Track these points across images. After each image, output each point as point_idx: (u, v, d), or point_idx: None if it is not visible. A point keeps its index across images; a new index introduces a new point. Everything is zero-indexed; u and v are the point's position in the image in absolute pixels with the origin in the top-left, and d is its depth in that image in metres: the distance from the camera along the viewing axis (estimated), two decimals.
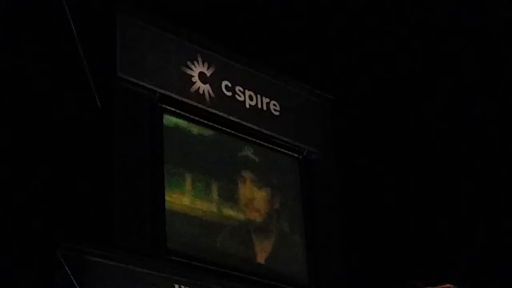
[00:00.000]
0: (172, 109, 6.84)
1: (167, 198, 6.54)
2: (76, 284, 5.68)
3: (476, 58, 7.95)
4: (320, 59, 7.81)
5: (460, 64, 7.93)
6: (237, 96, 7.25)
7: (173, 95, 6.84)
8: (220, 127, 7.09)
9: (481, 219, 7.91)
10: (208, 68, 7.11)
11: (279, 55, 7.58)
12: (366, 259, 7.63)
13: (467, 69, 7.90)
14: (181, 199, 6.67)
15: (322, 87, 7.78)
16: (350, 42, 7.84)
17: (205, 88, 7.04)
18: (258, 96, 7.39)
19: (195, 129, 6.99)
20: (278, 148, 7.43)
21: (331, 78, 7.83)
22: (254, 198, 7.11)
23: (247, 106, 7.29)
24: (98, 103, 6.23)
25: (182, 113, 6.89)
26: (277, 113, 7.46)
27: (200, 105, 6.96)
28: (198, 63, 7.07)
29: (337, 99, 7.84)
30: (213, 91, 7.08)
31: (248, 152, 7.20)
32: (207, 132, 7.04)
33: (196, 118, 6.96)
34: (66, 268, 5.68)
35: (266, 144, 7.35)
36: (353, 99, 7.97)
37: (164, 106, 6.79)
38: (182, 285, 6.23)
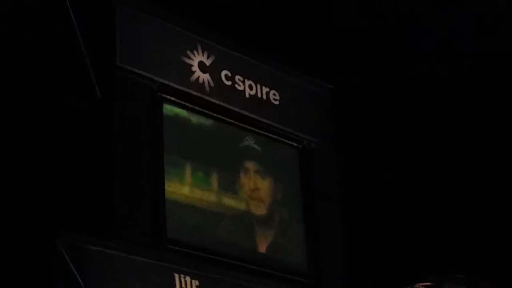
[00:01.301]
0: (172, 98, 6.83)
1: (167, 188, 6.54)
2: (76, 274, 5.69)
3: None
4: (320, 48, 7.79)
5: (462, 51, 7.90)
6: (237, 86, 7.24)
7: (173, 85, 6.83)
8: (220, 116, 7.08)
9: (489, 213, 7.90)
10: (208, 58, 7.10)
11: (279, 44, 7.56)
12: (366, 249, 7.62)
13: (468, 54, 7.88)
14: (181, 188, 6.67)
15: (322, 77, 7.77)
16: (350, 31, 7.82)
17: (205, 77, 7.03)
18: (258, 85, 7.38)
19: (195, 118, 6.98)
20: (278, 138, 7.43)
21: (331, 67, 7.81)
22: (258, 188, 7.12)
23: (247, 95, 7.28)
24: (98, 93, 6.23)
25: (182, 102, 6.88)
26: (277, 103, 7.45)
27: (199, 95, 6.95)
28: (198, 52, 7.06)
29: (337, 88, 7.83)
30: (213, 80, 7.07)
31: (249, 142, 7.20)
32: (207, 122, 7.04)
33: (196, 108, 6.95)
34: (66, 257, 5.68)
35: (266, 134, 7.35)
36: (353, 88, 7.95)
37: (163, 95, 6.78)
38: (183, 274, 6.23)
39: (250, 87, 7.32)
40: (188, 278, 6.27)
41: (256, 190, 7.12)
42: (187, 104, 6.91)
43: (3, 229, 5.65)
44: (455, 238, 7.76)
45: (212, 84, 7.05)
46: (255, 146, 7.24)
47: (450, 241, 7.83)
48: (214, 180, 6.90)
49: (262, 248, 6.99)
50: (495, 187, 7.92)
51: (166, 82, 6.79)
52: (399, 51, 7.90)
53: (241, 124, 7.19)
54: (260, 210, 7.12)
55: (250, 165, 7.15)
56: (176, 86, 6.84)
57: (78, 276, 5.68)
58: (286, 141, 7.47)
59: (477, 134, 8.01)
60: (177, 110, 6.89)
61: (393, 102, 8.03)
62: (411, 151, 7.99)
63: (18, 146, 5.90)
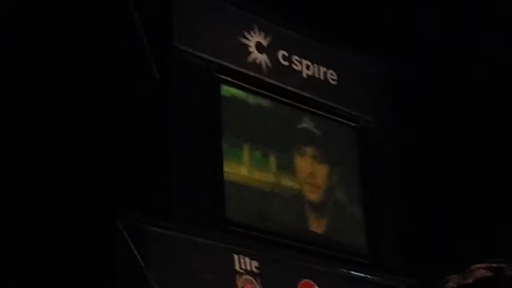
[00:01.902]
0: (229, 79, 6.80)
1: (225, 168, 6.53)
2: (137, 254, 5.71)
3: None
4: (378, 28, 7.69)
5: None
6: (294, 66, 7.19)
7: (230, 65, 6.80)
8: (277, 97, 7.05)
9: None
10: (264, 38, 7.06)
11: (337, 23, 7.48)
12: (425, 229, 7.54)
13: None
14: (239, 169, 6.65)
15: (380, 56, 7.68)
16: (410, 11, 7.71)
17: (262, 58, 6.99)
18: (315, 65, 7.32)
19: (252, 99, 6.95)
20: (336, 118, 7.37)
21: (390, 46, 7.71)
22: (315, 174, 7.07)
23: (304, 75, 7.23)
24: (156, 74, 6.23)
25: (239, 83, 6.86)
26: (334, 82, 7.39)
27: (257, 75, 6.92)
28: (254, 32, 7.02)
29: (396, 68, 7.74)
30: (270, 60, 7.03)
31: (308, 124, 7.15)
32: (264, 102, 7.01)
33: (253, 88, 6.92)
34: (127, 238, 5.71)
35: (323, 114, 7.29)
36: (413, 68, 7.85)
37: (221, 76, 6.76)
38: (242, 255, 6.23)
39: (307, 67, 7.27)
40: (247, 259, 6.26)
41: (313, 173, 7.08)
42: (245, 84, 6.88)
43: (63, 212, 5.69)
44: None
45: (269, 65, 7.01)
46: (313, 128, 7.19)
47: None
48: (272, 161, 6.88)
49: (320, 229, 6.96)
50: None
51: (223, 63, 6.77)
52: (460, 31, 7.77)
53: (298, 104, 7.15)
54: (317, 191, 7.08)
55: (307, 149, 7.10)
56: (233, 66, 6.81)
57: (138, 256, 5.71)
58: (343, 121, 7.41)
59: None
60: (234, 91, 6.87)
61: (454, 83, 7.91)
62: (471, 130, 7.87)
63: (78, 129, 5.93)
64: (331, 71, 7.40)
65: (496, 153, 7.85)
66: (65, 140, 5.88)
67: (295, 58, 7.20)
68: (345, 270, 6.85)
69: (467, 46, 7.88)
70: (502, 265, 2.16)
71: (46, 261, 5.55)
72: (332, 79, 7.39)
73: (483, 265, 2.19)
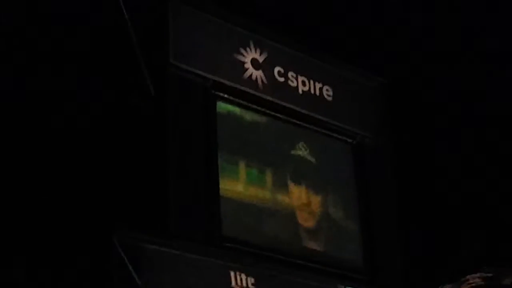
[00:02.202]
0: (225, 95, 6.82)
1: (221, 185, 6.53)
2: (133, 271, 5.71)
3: None
4: (374, 43, 7.71)
5: None
6: (290, 82, 7.20)
7: (226, 82, 6.82)
8: (273, 113, 7.06)
9: None
10: (260, 54, 7.08)
11: (332, 39, 7.50)
12: (422, 245, 7.54)
13: None
14: (235, 186, 6.65)
15: (376, 71, 7.70)
16: (405, 25, 7.73)
17: (257, 74, 7.01)
18: (311, 81, 7.34)
19: (248, 115, 6.97)
20: (331, 133, 7.38)
21: (386, 61, 7.73)
22: (310, 203, 7.07)
23: (300, 91, 7.25)
24: (152, 91, 6.24)
25: (235, 99, 6.87)
26: (330, 98, 7.40)
27: (253, 92, 6.93)
28: (250, 49, 7.04)
29: (392, 83, 7.75)
30: (265, 77, 7.04)
31: (302, 151, 7.14)
32: (260, 119, 7.02)
33: (249, 105, 6.94)
34: (123, 255, 5.71)
35: (319, 130, 7.30)
36: (408, 83, 7.87)
37: (217, 93, 6.78)
38: (238, 271, 6.23)
39: (303, 83, 7.28)
40: (243, 276, 6.26)
41: (308, 203, 7.07)
42: (240, 101, 6.89)
43: (60, 228, 5.69)
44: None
45: (265, 81, 7.02)
46: (307, 155, 7.17)
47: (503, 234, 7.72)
48: (268, 177, 6.88)
49: (317, 245, 6.96)
50: None
51: (219, 79, 6.79)
52: (457, 45, 7.79)
53: (294, 121, 7.16)
54: (315, 208, 7.08)
55: (302, 180, 7.08)
56: (229, 83, 6.83)
57: (135, 273, 5.70)
58: (339, 136, 7.42)
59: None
60: (231, 107, 6.89)
61: (450, 97, 7.93)
62: (469, 145, 7.88)
63: (74, 145, 5.94)
64: (327, 87, 7.41)
65: (495, 165, 7.86)
66: (62, 156, 5.88)
67: (290, 74, 7.22)
68: (342, 286, 6.84)
69: (464, 60, 7.90)
70: (496, 274, 2.17)
71: (44, 278, 5.55)
72: (328, 95, 7.40)
73: (477, 274, 2.19)
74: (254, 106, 6.97)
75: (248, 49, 7.03)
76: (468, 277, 2.19)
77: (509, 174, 7.73)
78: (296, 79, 7.25)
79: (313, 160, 7.20)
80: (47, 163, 5.78)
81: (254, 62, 7.02)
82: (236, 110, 6.91)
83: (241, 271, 6.25)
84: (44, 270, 5.56)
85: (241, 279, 6.25)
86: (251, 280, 6.29)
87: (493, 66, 7.83)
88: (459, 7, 7.68)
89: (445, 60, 7.91)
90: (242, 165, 6.76)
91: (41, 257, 5.59)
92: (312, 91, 7.32)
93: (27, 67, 5.92)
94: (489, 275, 2.17)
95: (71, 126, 5.98)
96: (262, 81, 7.00)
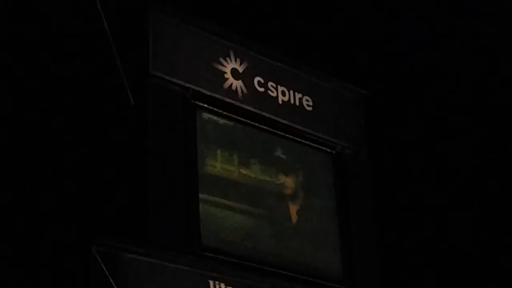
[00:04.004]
0: (205, 105, 6.83)
1: (200, 195, 6.53)
2: (111, 281, 5.70)
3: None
4: (353, 53, 7.77)
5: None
6: (269, 92, 7.23)
7: (206, 92, 6.83)
8: (253, 123, 7.08)
9: None
10: (240, 64, 7.10)
11: (312, 50, 7.54)
12: (401, 255, 7.58)
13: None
14: (215, 195, 6.66)
15: (355, 82, 7.74)
16: (383, 36, 7.79)
17: (237, 84, 7.03)
18: (291, 91, 7.36)
19: (228, 125, 6.98)
20: (311, 144, 7.40)
21: (365, 72, 7.78)
22: (289, 210, 7.09)
23: (280, 102, 7.27)
24: (132, 100, 6.24)
25: (215, 109, 6.89)
26: (310, 109, 7.43)
27: (233, 102, 6.95)
28: (230, 59, 7.06)
29: (371, 94, 7.79)
30: (245, 87, 7.06)
31: (282, 156, 7.18)
32: (241, 129, 7.03)
33: (229, 115, 6.95)
34: (101, 264, 5.70)
35: (299, 140, 7.33)
36: (388, 94, 7.92)
37: (197, 102, 6.79)
38: (218, 281, 6.23)
39: (283, 93, 7.31)
40: (223, 285, 6.26)
41: (287, 211, 7.09)
42: (220, 111, 6.91)
43: (39, 237, 5.67)
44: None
45: (245, 91, 7.05)
46: (287, 160, 7.21)
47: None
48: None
49: (297, 255, 6.96)
50: None
51: (199, 89, 6.80)
52: (434, 55, 7.86)
53: (274, 130, 7.18)
54: (293, 217, 7.10)
55: (281, 187, 7.12)
56: (209, 93, 6.84)
57: (113, 283, 5.69)
58: (319, 147, 7.44)
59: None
60: (210, 117, 6.90)
61: (428, 107, 7.99)
62: (447, 155, 7.94)
63: (52, 154, 5.93)
64: (307, 97, 7.44)
65: (473, 176, 7.91)
66: (39, 164, 5.87)
67: (270, 84, 7.24)
68: None
69: (442, 71, 7.97)
70: None
71: None
72: (308, 105, 7.43)
73: None
74: (234, 116, 6.98)
75: (228, 59, 7.05)
76: None
77: (481, 182, 7.80)
78: (276, 89, 7.28)
79: (292, 170, 7.22)
80: (23, 171, 5.76)
81: (234, 72, 7.04)
82: (216, 119, 6.92)
83: (220, 281, 6.25)
84: (20, 281, 5.54)
85: None
86: None
87: (469, 78, 7.91)
88: (436, 19, 7.76)
89: (424, 72, 7.98)
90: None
91: (17, 268, 5.56)
92: (292, 101, 7.35)
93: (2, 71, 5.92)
94: None
95: (50, 134, 5.97)
96: (242, 91, 7.03)
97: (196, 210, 6.43)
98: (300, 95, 7.41)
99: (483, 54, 7.98)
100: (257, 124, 7.08)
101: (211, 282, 6.21)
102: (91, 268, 5.72)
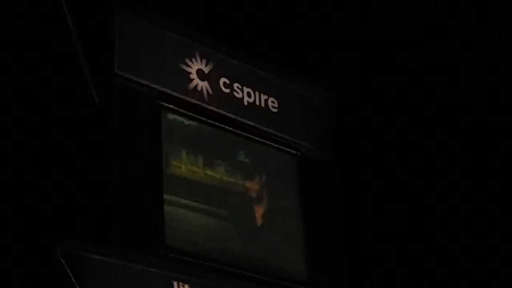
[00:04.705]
0: (171, 106, 6.82)
1: (165, 195, 6.52)
2: (74, 282, 5.66)
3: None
4: (319, 56, 7.79)
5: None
6: (235, 93, 7.23)
7: (172, 92, 6.82)
8: (218, 124, 7.07)
9: None
10: (206, 65, 7.09)
11: (278, 52, 7.56)
12: (365, 256, 7.60)
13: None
14: (179, 196, 6.65)
15: (320, 84, 7.76)
16: (349, 39, 7.82)
17: (203, 85, 7.02)
18: (257, 93, 7.37)
19: (193, 126, 6.97)
20: (277, 145, 7.41)
21: (330, 74, 7.81)
22: (254, 211, 7.10)
23: (245, 103, 7.27)
24: (96, 100, 6.21)
25: (181, 110, 6.88)
26: (275, 110, 7.44)
27: (198, 102, 6.95)
28: (196, 60, 7.05)
29: (336, 96, 7.82)
30: (211, 88, 7.06)
31: (247, 158, 7.18)
32: (206, 129, 7.02)
33: (195, 115, 6.94)
34: (65, 266, 5.66)
35: (265, 141, 7.33)
36: (353, 96, 7.95)
37: (162, 103, 6.77)
38: (181, 282, 6.21)
39: (249, 95, 7.31)
40: (187, 286, 6.24)
41: (251, 212, 7.10)
42: (186, 111, 6.89)
43: (2, 239, 5.62)
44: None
45: (210, 92, 7.04)
46: (252, 163, 7.21)
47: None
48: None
49: (262, 256, 6.97)
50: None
51: (165, 89, 6.79)
52: (400, 60, 7.90)
53: (239, 131, 7.18)
54: (258, 218, 7.10)
55: (246, 190, 7.12)
56: (174, 93, 6.83)
57: (76, 284, 5.66)
58: (284, 148, 7.45)
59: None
60: (176, 117, 6.88)
61: (393, 110, 8.02)
62: (412, 158, 7.97)
63: (17, 152, 5.88)
64: (272, 99, 7.45)
65: (439, 175, 7.95)
66: (5, 166, 5.82)
67: (236, 85, 7.25)
68: None
69: (407, 71, 8.01)
70: None
71: None
72: (273, 107, 7.44)
73: None
74: (200, 117, 6.97)
75: (194, 60, 7.04)
76: None
77: (446, 185, 7.84)
78: (242, 90, 7.28)
79: (257, 171, 7.22)
80: None
81: (199, 73, 7.03)
82: (182, 120, 6.91)
83: (184, 282, 6.23)
84: None
85: None
86: None
87: (438, 79, 7.95)
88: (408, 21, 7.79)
89: (390, 73, 8.01)
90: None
91: None
92: (258, 103, 7.35)
93: None
94: None
95: (15, 134, 5.93)
96: (207, 92, 7.02)
97: (161, 211, 6.41)
98: (265, 97, 7.42)
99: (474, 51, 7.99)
100: (222, 125, 7.08)
101: (175, 283, 6.20)
102: (54, 268, 5.67)
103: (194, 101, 6.92)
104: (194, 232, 6.62)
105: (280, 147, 7.44)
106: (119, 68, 6.56)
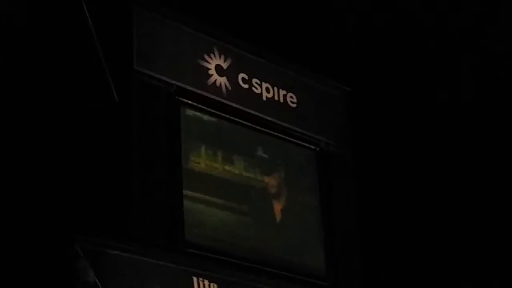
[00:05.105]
0: (189, 102, 6.83)
1: (185, 191, 6.53)
2: (95, 278, 5.68)
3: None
4: (338, 50, 7.77)
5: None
6: (254, 89, 7.23)
7: (190, 88, 6.83)
8: (237, 119, 7.08)
9: None
10: (224, 61, 7.10)
11: (296, 47, 7.55)
12: (384, 252, 7.59)
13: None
14: (199, 191, 6.66)
15: (340, 79, 7.75)
16: (368, 33, 7.80)
17: (221, 80, 7.03)
18: (275, 88, 7.37)
19: (212, 122, 6.98)
20: (295, 141, 7.41)
21: (349, 69, 7.79)
22: (273, 207, 7.10)
23: (264, 98, 7.27)
24: (115, 96, 6.23)
25: (199, 106, 6.88)
26: (294, 105, 7.44)
27: (217, 98, 6.95)
28: (214, 55, 7.06)
29: (355, 91, 7.81)
30: (230, 83, 7.06)
31: (266, 153, 7.18)
32: (225, 125, 7.03)
33: (213, 111, 6.95)
34: (85, 261, 5.68)
35: (283, 137, 7.33)
36: (372, 91, 7.93)
37: (181, 99, 6.78)
38: (201, 277, 6.22)
39: (267, 90, 7.31)
40: (206, 282, 6.26)
41: (271, 207, 7.10)
42: (204, 107, 6.90)
43: (23, 233, 5.65)
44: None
45: (229, 88, 7.04)
46: (271, 158, 7.21)
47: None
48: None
49: (280, 251, 6.97)
50: None
51: (183, 85, 6.79)
52: (420, 54, 7.87)
53: (258, 127, 7.18)
54: (277, 214, 7.10)
55: (265, 184, 7.12)
56: (193, 89, 6.84)
57: (97, 280, 5.68)
58: (303, 143, 7.45)
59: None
60: (194, 113, 6.89)
61: (413, 105, 8.00)
62: (431, 154, 7.95)
63: (36, 149, 5.91)
64: (291, 94, 7.45)
65: (458, 175, 7.93)
66: (23, 162, 5.85)
67: (255, 81, 7.25)
68: None
69: (428, 69, 7.98)
70: None
71: (5, 286, 5.51)
72: (292, 102, 7.44)
73: None
74: (218, 113, 6.98)
75: (212, 55, 7.05)
76: None
77: (466, 184, 7.82)
78: (260, 86, 7.28)
79: (276, 166, 7.22)
80: (4, 169, 5.74)
81: (218, 68, 7.04)
82: (200, 116, 6.92)
83: (204, 277, 6.25)
84: (3, 279, 5.52)
85: (204, 285, 6.25)
86: (214, 286, 6.29)
87: (452, 76, 7.93)
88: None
89: (408, 69, 7.99)
90: None
91: (2, 266, 5.54)
92: (276, 98, 7.35)
93: None
94: None
95: (35, 131, 5.96)
96: (226, 87, 7.02)
97: (180, 207, 6.42)
98: (284, 92, 7.41)
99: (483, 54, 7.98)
100: (241, 121, 7.08)
101: (194, 279, 6.21)
102: (74, 264, 5.69)
103: (212, 96, 6.92)
104: (214, 228, 6.64)
105: (299, 142, 7.43)
106: (138, 64, 6.57)
